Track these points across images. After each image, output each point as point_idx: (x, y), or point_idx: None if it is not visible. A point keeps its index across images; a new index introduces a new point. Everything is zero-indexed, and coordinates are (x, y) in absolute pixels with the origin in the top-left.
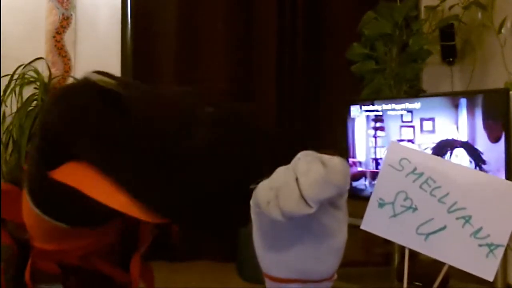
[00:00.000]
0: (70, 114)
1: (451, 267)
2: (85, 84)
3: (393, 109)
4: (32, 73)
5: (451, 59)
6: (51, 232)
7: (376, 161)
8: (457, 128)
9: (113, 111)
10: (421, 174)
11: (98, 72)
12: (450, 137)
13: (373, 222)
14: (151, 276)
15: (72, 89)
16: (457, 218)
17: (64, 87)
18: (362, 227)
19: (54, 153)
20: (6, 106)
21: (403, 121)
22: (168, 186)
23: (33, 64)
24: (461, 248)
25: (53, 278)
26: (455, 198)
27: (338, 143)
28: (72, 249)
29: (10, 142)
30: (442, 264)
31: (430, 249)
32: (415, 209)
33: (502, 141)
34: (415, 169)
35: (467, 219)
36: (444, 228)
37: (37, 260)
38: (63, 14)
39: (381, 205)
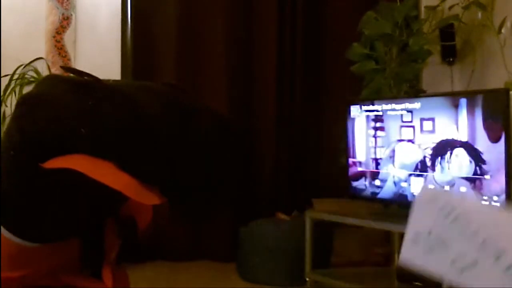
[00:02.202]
0: (57, 114)
1: None
2: (60, 81)
3: (393, 109)
4: (32, 73)
5: (451, 59)
6: (16, 257)
7: (376, 161)
8: (457, 128)
9: (99, 101)
10: (453, 211)
11: (64, 69)
12: (450, 137)
13: (410, 258)
14: (126, 280)
15: (47, 90)
16: (489, 254)
17: (33, 92)
18: (400, 263)
19: (42, 156)
20: (6, 106)
21: (403, 121)
22: (163, 165)
23: (33, 64)
24: (495, 283)
25: None
26: (485, 234)
27: (338, 143)
28: (37, 271)
29: None
30: None
31: (465, 283)
32: (448, 245)
33: (502, 141)
34: (446, 207)
35: (500, 255)
36: (476, 263)
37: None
38: (63, 14)
39: (414, 240)
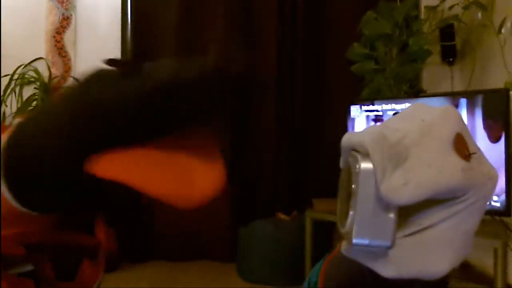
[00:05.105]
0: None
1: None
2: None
3: (393, 109)
4: (32, 73)
5: (451, 59)
6: (6, 218)
7: None
8: None
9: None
10: None
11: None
12: None
13: None
14: (113, 239)
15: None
16: None
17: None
18: None
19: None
20: (6, 106)
21: None
22: None
23: (33, 64)
24: None
25: (23, 259)
26: None
27: (338, 143)
28: (28, 232)
29: None
30: None
31: None
32: None
33: (502, 141)
34: None
35: None
36: None
37: None
38: (63, 14)
39: None
